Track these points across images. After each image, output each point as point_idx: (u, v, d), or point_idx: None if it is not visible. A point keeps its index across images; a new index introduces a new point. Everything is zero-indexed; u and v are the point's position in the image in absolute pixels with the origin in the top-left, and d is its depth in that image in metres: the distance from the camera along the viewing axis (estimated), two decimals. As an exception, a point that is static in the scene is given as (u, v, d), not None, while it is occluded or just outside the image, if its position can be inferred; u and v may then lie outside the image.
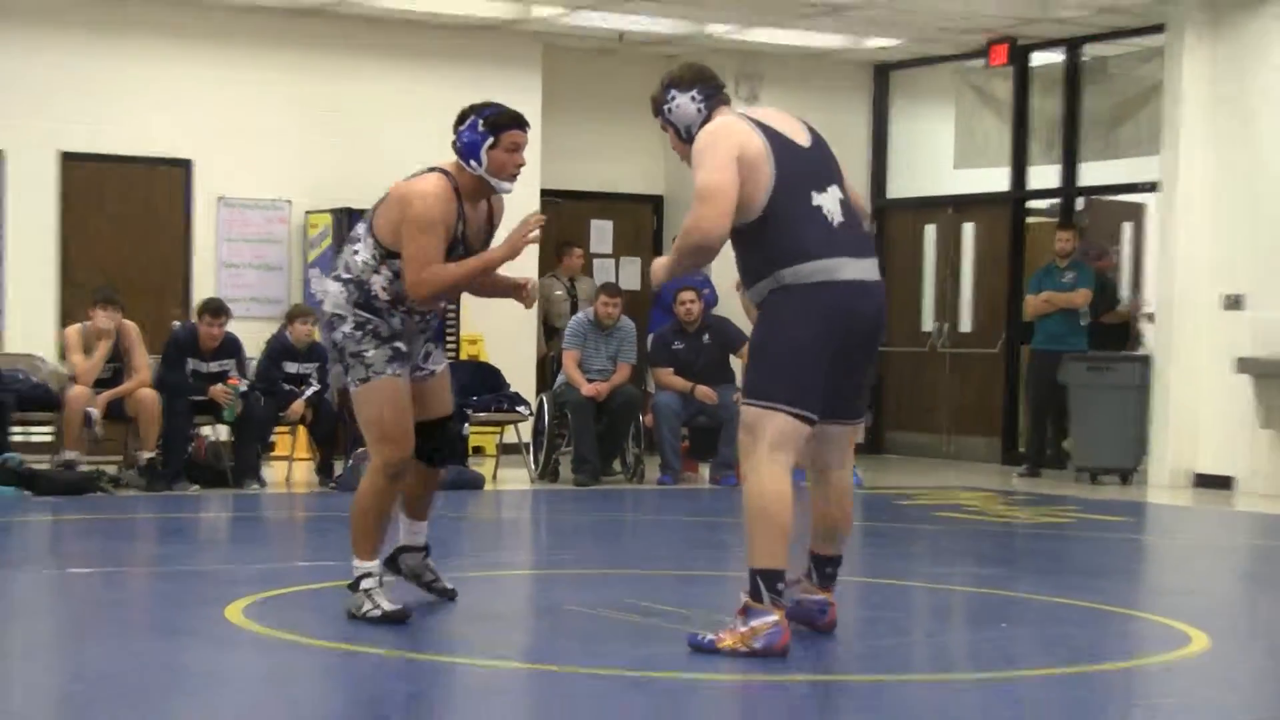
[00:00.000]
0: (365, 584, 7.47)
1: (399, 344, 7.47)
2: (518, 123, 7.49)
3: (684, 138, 7.18)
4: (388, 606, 7.43)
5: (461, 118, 7.55)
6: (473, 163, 7.44)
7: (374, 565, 7.52)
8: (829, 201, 7.05)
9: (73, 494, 12.99)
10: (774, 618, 6.84)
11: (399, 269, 7.36)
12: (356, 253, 7.46)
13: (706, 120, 7.13)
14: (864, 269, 7.04)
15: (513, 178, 7.49)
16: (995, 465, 18.00)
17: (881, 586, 9.57)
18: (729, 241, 7.05)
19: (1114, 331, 16.52)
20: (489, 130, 7.44)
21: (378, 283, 7.42)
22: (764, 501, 6.85)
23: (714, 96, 7.19)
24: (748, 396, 7.05)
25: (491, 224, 7.70)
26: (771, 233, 6.93)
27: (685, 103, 7.17)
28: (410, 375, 7.56)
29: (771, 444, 6.89)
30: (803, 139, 7.12)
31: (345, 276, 7.46)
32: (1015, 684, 6.83)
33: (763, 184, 6.90)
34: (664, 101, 7.21)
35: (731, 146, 6.90)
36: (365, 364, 7.40)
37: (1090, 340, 16.47)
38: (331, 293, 7.50)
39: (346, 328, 7.43)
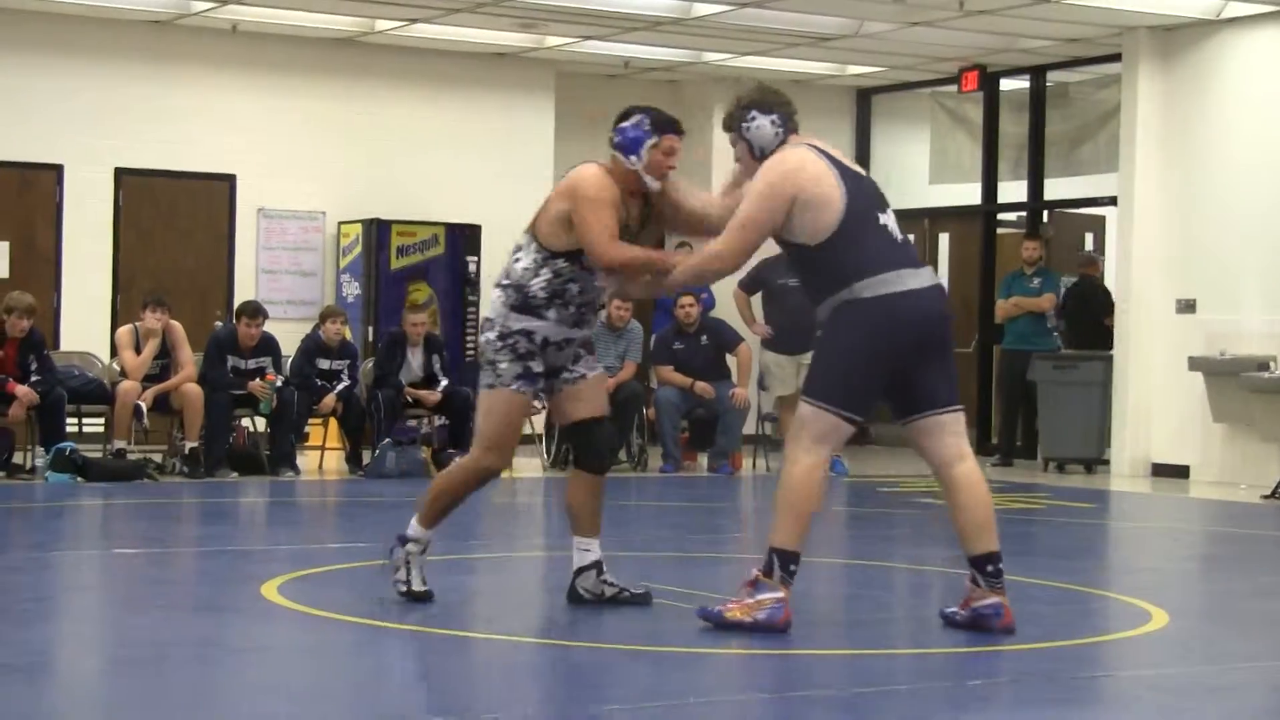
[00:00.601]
0: (411, 547, 7.34)
1: (532, 364, 7.24)
2: (677, 129, 7.32)
3: (756, 155, 7.07)
4: (417, 586, 7.30)
5: (625, 115, 7.39)
6: (633, 158, 7.25)
7: (428, 535, 7.37)
8: (891, 221, 7.03)
9: (122, 480, 12.95)
10: (780, 594, 6.81)
11: (561, 268, 7.18)
12: (518, 260, 7.27)
13: (782, 144, 7.05)
14: (925, 277, 6.99)
15: (663, 177, 7.31)
16: (968, 455, 17.89)
17: (865, 567, 9.52)
18: (792, 261, 7.14)
19: (1103, 333, 16.42)
20: (654, 129, 7.28)
21: (536, 284, 7.21)
22: (797, 488, 6.87)
23: (790, 121, 7.14)
24: (806, 394, 6.99)
25: (644, 223, 7.44)
26: (842, 252, 6.85)
27: (765, 125, 7.07)
28: (559, 381, 7.39)
29: (815, 437, 6.88)
30: (858, 168, 7.15)
31: (505, 283, 7.29)
32: (989, 656, 6.77)
33: (835, 208, 6.84)
34: (742, 120, 7.09)
35: (792, 188, 6.84)
36: (496, 372, 7.23)
37: (1078, 341, 16.39)
38: (492, 299, 7.36)
39: (491, 334, 7.27)
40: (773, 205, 6.85)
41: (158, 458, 13.94)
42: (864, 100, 19.72)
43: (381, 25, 16.60)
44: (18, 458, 13.45)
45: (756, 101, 7.10)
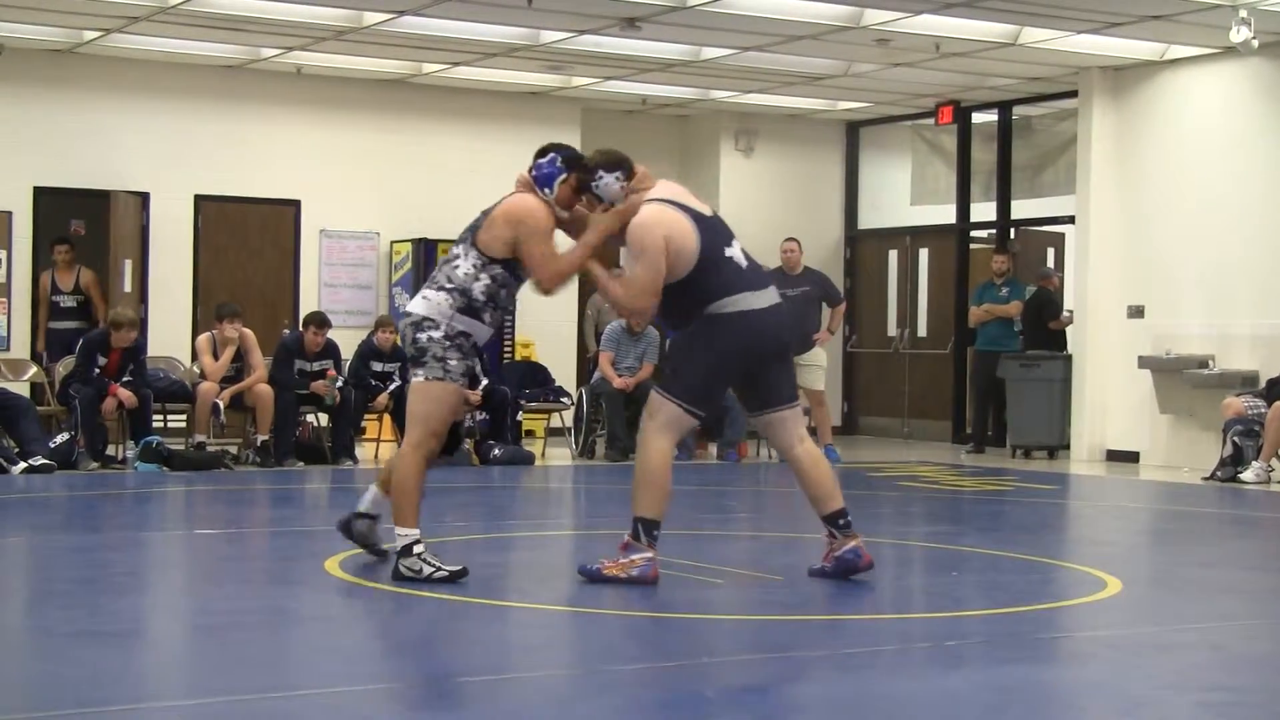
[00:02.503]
0: (418, 549, 7.17)
1: (471, 363, 7.30)
2: (584, 167, 7.36)
3: (606, 208, 7.30)
4: (451, 566, 7.19)
5: (542, 152, 7.43)
6: (546, 190, 7.31)
7: (418, 532, 7.21)
8: (737, 251, 7.26)
9: (202, 470, 12.96)
10: (649, 554, 7.10)
11: (497, 274, 7.19)
12: (457, 267, 7.22)
13: (626, 195, 7.26)
14: (767, 297, 7.23)
15: (570, 208, 7.38)
16: (946, 444, 17.91)
17: (854, 542, 9.49)
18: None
19: (1055, 336, 16.45)
20: (565, 166, 7.34)
21: (478, 288, 7.19)
22: (653, 467, 7.12)
23: (629, 174, 7.33)
24: (663, 389, 7.25)
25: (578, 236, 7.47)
26: (699, 285, 7.10)
27: (611, 181, 7.28)
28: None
29: (664, 425, 7.13)
30: (706, 210, 7.35)
31: (449, 286, 7.19)
32: (962, 620, 6.76)
33: (691, 249, 7.07)
34: (593, 179, 7.28)
35: (661, 240, 7.05)
36: (446, 369, 7.16)
37: (1035, 342, 16.37)
38: (432, 300, 7.21)
39: (437, 333, 7.16)
40: (657, 261, 7.05)
41: (233, 449, 13.95)
42: (852, 132, 19.69)
43: (428, 68, 16.62)
44: (111, 450, 13.50)
45: (601, 164, 7.34)
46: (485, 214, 7.33)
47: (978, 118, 18.23)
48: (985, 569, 8.28)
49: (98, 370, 13.19)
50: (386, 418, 14.75)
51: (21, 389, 14.19)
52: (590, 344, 16.58)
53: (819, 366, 15.21)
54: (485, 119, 17.64)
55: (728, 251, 7.21)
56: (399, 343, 7.40)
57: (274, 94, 16.72)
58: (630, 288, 7.18)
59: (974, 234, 18.65)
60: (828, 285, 15.41)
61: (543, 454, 15.20)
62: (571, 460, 14.99)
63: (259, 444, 13.65)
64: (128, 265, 15.85)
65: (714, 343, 7.11)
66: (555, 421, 16.18)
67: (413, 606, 6.80)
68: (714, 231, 7.22)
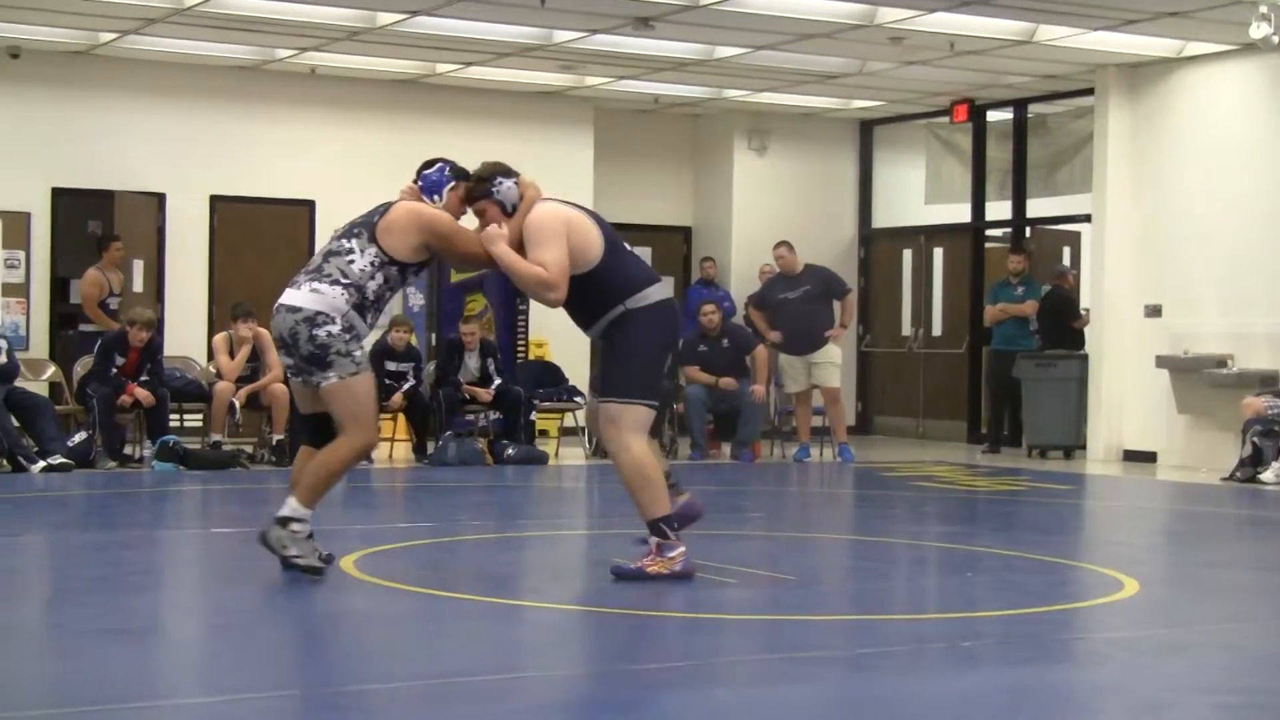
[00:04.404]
0: (296, 528, 7.06)
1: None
2: (468, 178, 7.47)
3: (508, 211, 7.37)
4: (315, 560, 7.10)
5: (429, 163, 7.55)
6: (435, 198, 7.39)
7: (309, 513, 7.11)
8: (632, 249, 7.54)
9: (218, 469, 13.00)
10: (683, 548, 7.23)
11: (391, 275, 7.16)
12: (352, 261, 7.12)
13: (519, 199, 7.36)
14: (667, 289, 7.56)
15: (458, 216, 7.45)
16: (961, 444, 17.88)
17: (867, 542, 9.51)
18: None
19: (1071, 335, 16.41)
20: (452, 175, 7.46)
21: (372, 287, 7.14)
22: (641, 469, 7.19)
23: (518, 184, 7.45)
24: (609, 394, 7.29)
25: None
26: (610, 276, 7.28)
27: (511, 186, 7.40)
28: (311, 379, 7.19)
29: (633, 427, 7.22)
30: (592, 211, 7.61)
31: (345, 282, 7.08)
32: (977, 621, 6.75)
33: (595, 243, 7.27)
34: (491, 185, 7.39)
35: (561, 226, 7.22)
36: (355, 361, 7.07)
37: (1051, 342, 16.34)
38: (326, 295, 7.03)
39: (334, 328, 7.03)
40: (560, 246, 7.17)
41: (249, 448, 13.96)
42: (866, 131, 19.67)
43: (441, 68, 16.63)
44: (128, 449, 13.54)
45: (497, 171, 7.45)
46: (380, 214, 7.28)
47: (993, 116, 18.20)
48: (1000, 569, 8.27)
49: (115, 369, 13.23)
50: (401, 417, 14.78)
51: (40, 388, 14.26)
52: (602, 343, 16.57)
53: (834, 364, 15.23)
54: (498, 119, 17.64)
55: (626, 246, 7.47)
56: (282, 336, 7.14)
57: (288, 94, 16.74)
58: (550, 269, 7.16)
59: (989, 233, 18.61)
60: (830, 278, 15.42)
61: (556, 454, 15.21)
62: (585, 460, 14.99)
63: (274, 443, 13.68)
64: (139, 265, 15.89)
65: (649, 335, 7.30)
66: (569, 421, 16.18)
67: (428, 605, 6.81)
68: (608, 226, 7.43)
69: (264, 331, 13.84)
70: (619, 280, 7.29)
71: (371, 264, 7.14)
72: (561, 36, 15.02)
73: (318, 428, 7.27)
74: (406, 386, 14.29)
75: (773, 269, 16.12)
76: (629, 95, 17.97)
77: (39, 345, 15.64)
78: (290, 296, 7.11)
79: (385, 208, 7.33)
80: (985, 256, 18.47)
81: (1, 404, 12.66)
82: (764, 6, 13.75)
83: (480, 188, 7.41)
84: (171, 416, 13.70)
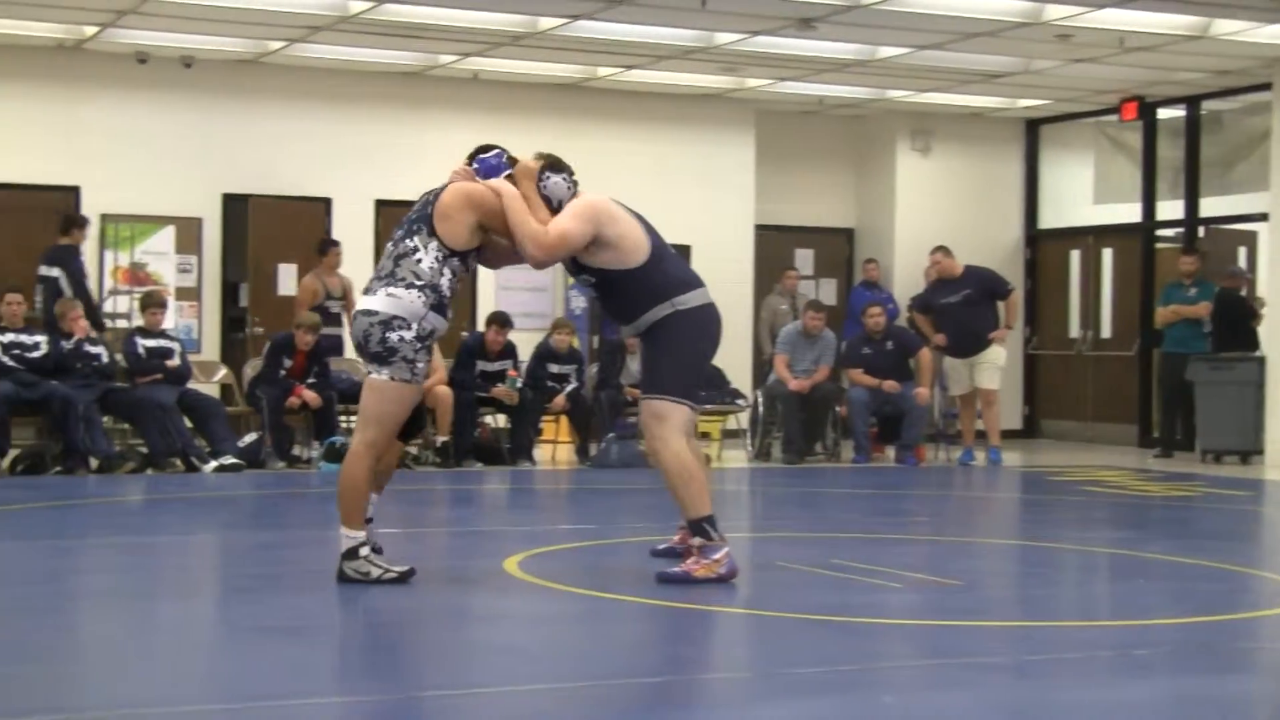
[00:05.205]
0: (364, 551, 7.03)
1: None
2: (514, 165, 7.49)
3: (553, 208, 7.36)
4: (399, 567, 7.09)
5: (486, 148, 7.57)
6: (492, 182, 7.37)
7: (364, 534, 7.07)
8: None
9: (384, 470, 13.12)
10: (726, 549, 7.26)
11: (455, 267, 7.13)
12: (419, 261, 7.10)
13: (574, 196, 7.39)
14: (708, 293, 7.50)
15: None
16: (1132, 448, 17.58)
17: (1034, 547, 9.36)
18: (594, 285, 7.48)
19: (1247, 337, 16.05)
20: (509, 163, 7.46)
21: (444, 283, 7.12)
22: (680, 468, 7.25)
23: (575, 181, 7.49)
24: (657, 392, 7.32)
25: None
26: (656, 273, 7.32)
27: (560, 181, 7.41)
28: None
29: (676, 427, 7.28)
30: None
31: (419, 284, 7.05)
32: (1149, 629, 6.60)
33: (641, 240, 7.32)
34: (539, 179, 7.40)
35: (595, 214, 7.25)
36: (414, 371, 7.04)
37: (1226, 344, 15.99)
38: (403, 299, 7.01)
39: (409, 334, 7.01)
40: (584, 228, 7.20)
41: (413, 450, 14.07)
42: (1032, 130, 19.44)
43: (602, 72, 16.70)
44: (296, 450, 13.76)
45: (550, 165, 7.47)
46: (432, 201, 7.25)
47: (1163, 113, 17.89)
48: (1173, 576, 8.10)
49: (284, 372, 13.46)
50: (564, 419, 14.86)
51: (211, 390, 14.55)
52: (765, 346, 16.55)
53: (996, 366, 15.09)
54: (660, 122, 17.69)
55: (670, 248, 7.53)
56: (358, 340, 7.15)
57: (451, 99, 16.90)
58: (552, 234, 7.17)
59: (1160, 233, 18.31)
60: (991, 280, 15.27)
61: (719, 456, 15.19)
62: (747, 463, 14.97)
63: (438, 445, 13.81)
64: (289, 270, 16.13)
65: (696, 338, 7.37)
66: (731, 424, 16.16)
67: (591, 607, 6.83)
68: (653, 228, 7.47)
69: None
70: (667, 280, 7.34)
71: (437, 260, 7.12)
72: (722, 38, 15.01)
73: (409, 425, 7.28)
74: (569, 389, 14.36)
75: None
76: (790, 97, 17.92)
77: (210, 348, 15.97)
78: (366, 302, 7.14)
79: (436, 194, 7.32)
80: (1156, 257, 18.17)
81: (174, 405, 12.95)
82: (927, 6, 13.63)
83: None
84: (339, 418, 13.89)
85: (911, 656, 6.03)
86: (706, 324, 7.42)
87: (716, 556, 7.21)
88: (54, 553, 8.44)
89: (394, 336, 7.00)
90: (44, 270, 13.94)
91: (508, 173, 7.43)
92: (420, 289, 7.05)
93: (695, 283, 7.44)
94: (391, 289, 7.07)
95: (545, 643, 6.25)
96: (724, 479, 13.74)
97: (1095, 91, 17.41)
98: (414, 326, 7.03)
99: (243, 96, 16.21)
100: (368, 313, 7.08)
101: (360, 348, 7.13)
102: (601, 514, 10.93)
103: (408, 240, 7.18)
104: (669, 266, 7.40)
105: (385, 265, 7.19)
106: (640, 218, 7.47)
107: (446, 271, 7.12)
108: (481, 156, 7.52)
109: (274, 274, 16.29)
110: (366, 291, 7.21)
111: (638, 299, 7.37)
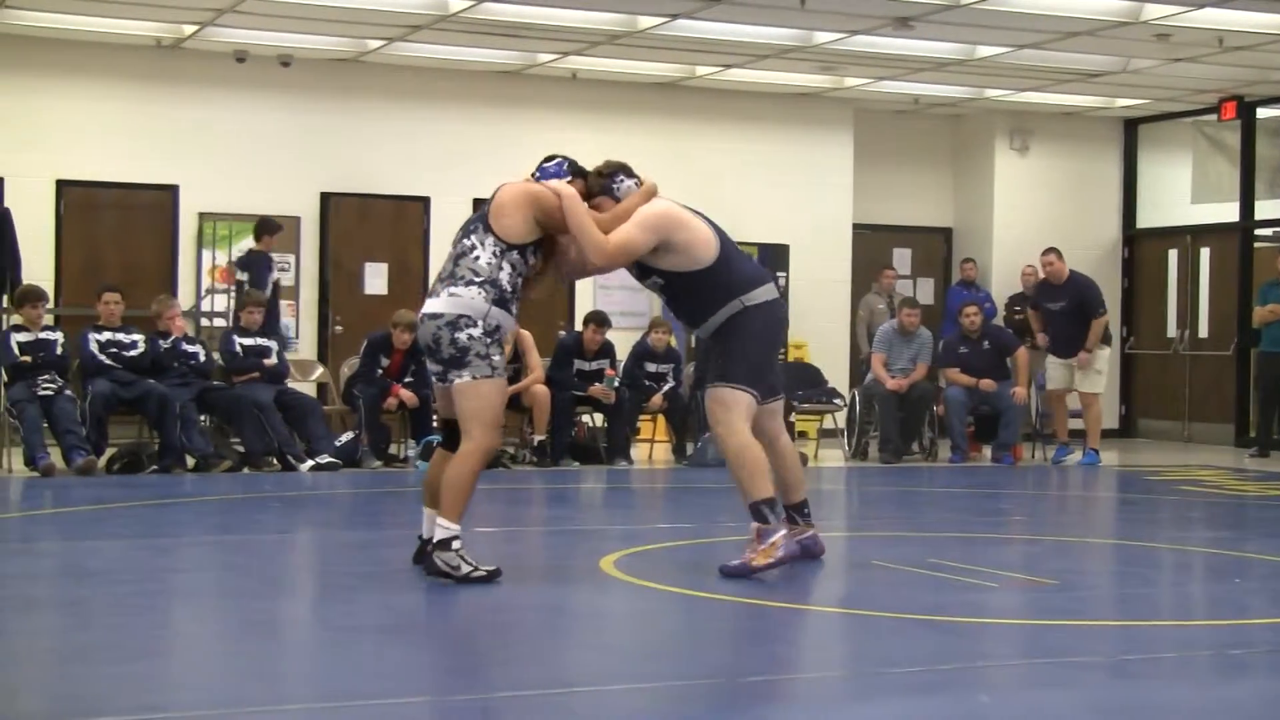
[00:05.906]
0: (456, 544, 7.07)
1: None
2: (585, 175, 7.65)
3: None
4: (487, 566, 7.12)
5: (549, 158, 7.72)
6: None
7: (459, 528, 7.10)
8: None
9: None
10: (784, 531, 7.39)
11: (515, 261, 7.19)
12: (477, 258, 7.16)
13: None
14: (775, 289, 7.74)
15: None
16: (1229, 448, 17.40)
17: (1130, 546, 9.31)
18: (662, 287, 7.63)
19: None
20: (570, 172, 7.59)
21: (504, 278, 7.17)
22: (744, 453, 7.39)
23: (640, 180, 7.72)
24: (725, 381, 7.48)
25: (547, 257, 7.54)
26: (725, 272, 7.48)
27: (632, 185, 7.64)
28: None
29: (740, 414, 7.43)
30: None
31: (478, 280, 7.12)
32: (1247, 629, 6.56)
33: (710, 239, 7.50)
34: (612, 182, 7.65)
35: (662, 223, 7.44)
36: (492, 365, 7.07)
37: None
38: (464, 296, 7.07)
39: (477, 331, 7.06)
40: (647, 238, 7.38)
41: (510, 449, 14.18)
42: (1130, 129, 19.28)
43: (701, 71, 16.74)
44: (393, 448, 13.86)
45: (619, 169, 7.73)
46: (487, 203, 7.35)
47: (1263, 113, 17.70)
48: (1271, 576, 8.04)
49: (381, 371, 13.57)
50: (661, 419, 14.90)
51: (308, 389, 14.68)
52: (863, 345, 16.54)
53: (1098, 372, 15.07)
54: (758, 121, 17.70)
55: (737, 246, 7.69)
56: (428, 344, 7.18)
57: (550, 98, 16.99)
58: (615, 242, 7.32)
59: (1258, 232, 18.11)
60: (1087, 297, 15.13)
61: (816, 455, 15.17)
62: (845, 462, 14.96)
63: (535, 444, 13.88)
64: (378, 269, 16.26)
65: (764, 332, 7.53)
66: (828, 423, 16.15)
67: (689, 605, 6.87)
68: (722, 231, 7.63)
69: (526, 333, 14.05)
70: (736, 277, 7.50)
71: (494, 255, 7.18)
72: (821, 38, 15.01)
73: (454, 432, 7.30)
74: (666, 388, 14.41)
75: (1036, 271, 15.97)
76: (888, 96, 17.88)
77: (307, 346, 16.14)
78: (431, 305, 7.20)
79: (493, 196, 7.41)
80: (1254, 256, 17.97)
81: (272, 404, 13.06)
82: (1026, 5, 13.57)
83: (600, 182, 7.62)
84: (433, 418, 13.99)
85: (1008, 656, 6.03)
86: (774, 318, 7.59)
87: (773, 539, 7.31)
88: (151, 551, 8.50)
89: (463, 336, 7.07)
90: (238, 275, 14.28)
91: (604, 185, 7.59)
92: (480, 285, 7.13)
93: (763, 279, 7.64)
94: (453, 289, 7.15)
95: (642, 642, 6.30)
96: (821, 478, 13.72)
97: (1194, 91, 17.26)
98: (480, 323, 7.09)
99: (341, 96, 16.37)
100: (433, 316, 7.14)
101: (433, 353, 7.15)
102: (698, 513, 10.96)
103: (465, 240, 7.28)
104: (737, 264, 7.56)
105: (446, 267, 7.29)
106: (706, 218, 7.63)
107: (505, 266, 7.18)
108: (544, 165, 7.68)
109: (359, 273, 16.45)
110: (430, 295, 7.29)
111: (708, 298, 7.53)
